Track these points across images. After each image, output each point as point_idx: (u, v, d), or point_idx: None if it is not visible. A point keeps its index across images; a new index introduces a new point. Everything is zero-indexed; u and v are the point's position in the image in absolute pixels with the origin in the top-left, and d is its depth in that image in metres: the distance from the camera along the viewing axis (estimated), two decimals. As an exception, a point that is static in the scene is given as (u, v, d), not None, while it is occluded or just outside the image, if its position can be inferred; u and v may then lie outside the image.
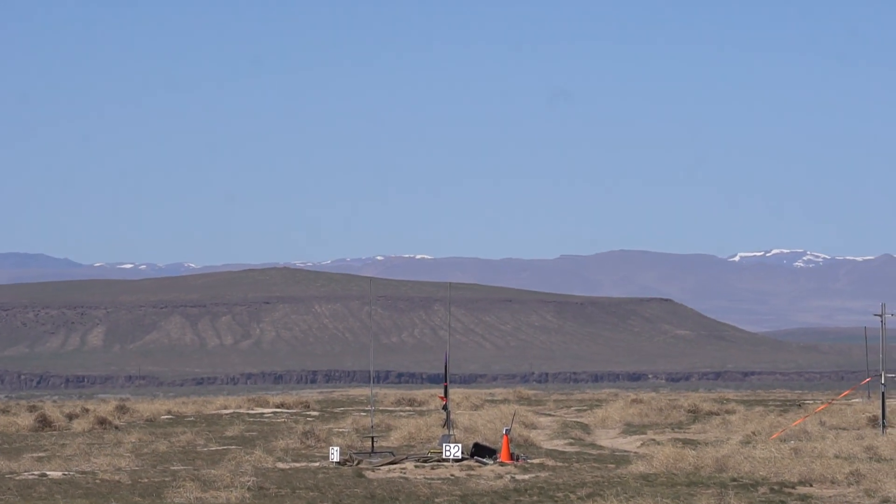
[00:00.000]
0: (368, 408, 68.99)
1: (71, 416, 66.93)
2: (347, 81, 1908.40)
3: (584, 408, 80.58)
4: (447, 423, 47.60)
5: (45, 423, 63.90)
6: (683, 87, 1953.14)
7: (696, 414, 71.84)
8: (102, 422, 64.34)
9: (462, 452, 44.69)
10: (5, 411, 74.58)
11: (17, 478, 41.48)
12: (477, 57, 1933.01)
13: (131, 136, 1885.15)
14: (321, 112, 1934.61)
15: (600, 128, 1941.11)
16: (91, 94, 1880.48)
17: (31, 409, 74.35)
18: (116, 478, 41.01)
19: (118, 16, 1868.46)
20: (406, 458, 45.27)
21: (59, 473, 42.49)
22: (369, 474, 42.23)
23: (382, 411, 72.47)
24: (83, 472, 42.65)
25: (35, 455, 49.36)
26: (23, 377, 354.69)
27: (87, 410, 70.68)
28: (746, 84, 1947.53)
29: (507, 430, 46.75)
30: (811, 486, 38.27)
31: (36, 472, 42.76)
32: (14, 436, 60.39)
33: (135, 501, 34.42)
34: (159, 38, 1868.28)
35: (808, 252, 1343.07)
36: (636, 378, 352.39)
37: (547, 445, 53.60)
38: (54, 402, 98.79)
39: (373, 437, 49.56)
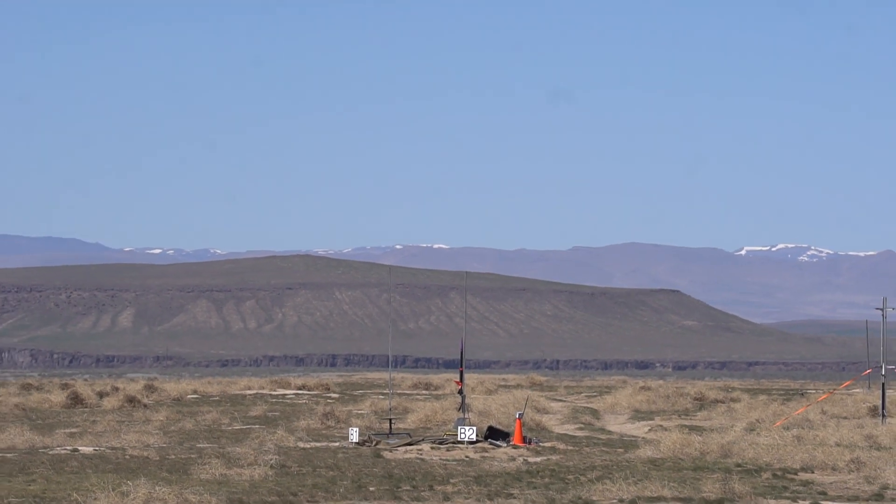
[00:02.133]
0: (386, 391, 69.08)
1: (101, 394, 67.17)
2: (366, 72, 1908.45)
3: (594, 394, 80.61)
4: (462, 406, 47.67)
5: (76, 400, 64.15)
6: (693, 85, 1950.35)
7: (702, 402, 71.82)
8: (131, 400, 64.54)
9: (476, 435, 44.75)
10: (39, 389, 74.88)
11: (51, 452, 41.64)
12: (491, 49, 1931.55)
13: (161, 128, 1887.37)
14: (340, 107, 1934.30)
15: (611, 123, 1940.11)
16: (124, 85, 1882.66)
17: (64, 387, 74.64)
18: (145, 454, 41.15)
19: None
20: (423, 439, 45.34)
21: (91, 449, 42.64)
22: (387, 455, 42.31)
23: (400, 394, 72.56)
24: (113, 448, 42.80)
25: (67, 431, 49.54)
26: (55, 356, 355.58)
27: (117, 389, 70.93)
28: (752, 84, 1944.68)
29: (519, 414, 46.79)
30: (813, 472, 38.27)
31: (68, 448, 42.92)
32: (47, 412, 60.62)
33: (163, 477, 34.55)
34: (187, 21, 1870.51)
35: (813, 247, 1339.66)
36: (644, 366, 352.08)
37: (558, 430, 53.65)
38: (85, 380, 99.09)
39: (390, 419, 49.63)
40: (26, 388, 75.85)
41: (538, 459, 41.40)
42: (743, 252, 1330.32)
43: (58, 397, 65.28)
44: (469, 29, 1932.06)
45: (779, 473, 37.64)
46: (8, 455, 40.81)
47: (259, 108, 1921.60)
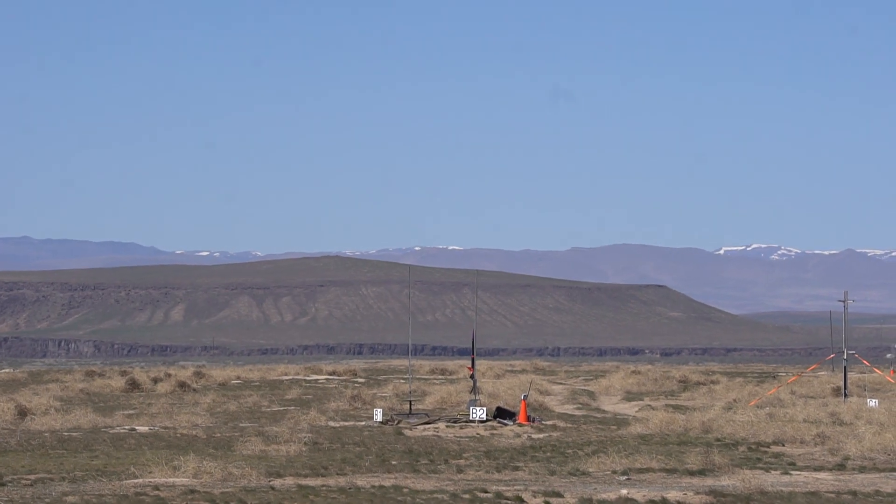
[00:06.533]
0: (407, 376, 69.04)
1: (156, 380, 67.18)
2: (381, 84, 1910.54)
3: (591, 378, 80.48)
4: (474, 389, 47.63)
5: (134, 385, 64.18)
6: (677, 101, 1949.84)
7: (685, 384, 71.68)
8: (182, 385, 64.57)
9: (486, 415, 44.71)
10: (101, 375, 74.97)
11: (111, 431, 41.66)
12: (487, 63, 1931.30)
13: (214, 147, 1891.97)
14: (356, 123, 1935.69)
15: (608, 139, 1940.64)
16: (172, 104, 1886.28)
17: (123, 373, 74.71)
18: (194, 433, 41.15)
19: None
20: (439, 418, 45.31)
21: (146, 428, 42.65)
22: (408, 432, 42.27)
23: (419, 379, 72.52)
24: (166, 428, 42.80)
25: (126, 412, 49.57)
26: (115, 346, 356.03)
27: (170, 375, 70.94)
28: (727, 102, 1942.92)
29: (524, 395, 46.73)
30: (783, 445, 38.18)
31: (126, 427, 42.93)
32: (108, 396, 60.69)
33: (210, 452, 34.55)
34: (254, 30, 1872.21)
35: (783, 247, 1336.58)
36: (635, 353, 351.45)
37: (559, 409, 53.56)
38: (142, 367, 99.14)
39: (410, 401, 49.61)
40: (90, 374, 75.94)
41: (541, 436, 41.33)
42: (721, 251, 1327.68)
43: (117, 383, 65.36)
44: (470, 33, 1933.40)
45: (753, 447, 37.55)
46: (74, 434, 40.84)
47: (298, 128, 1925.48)
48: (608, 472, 31.72)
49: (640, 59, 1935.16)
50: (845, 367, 57.77)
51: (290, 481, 29.52)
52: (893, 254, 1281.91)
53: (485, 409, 44.92)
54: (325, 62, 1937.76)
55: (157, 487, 27.74)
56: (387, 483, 29.22)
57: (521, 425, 44.12)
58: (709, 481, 30.29)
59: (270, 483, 29.15)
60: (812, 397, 58.46)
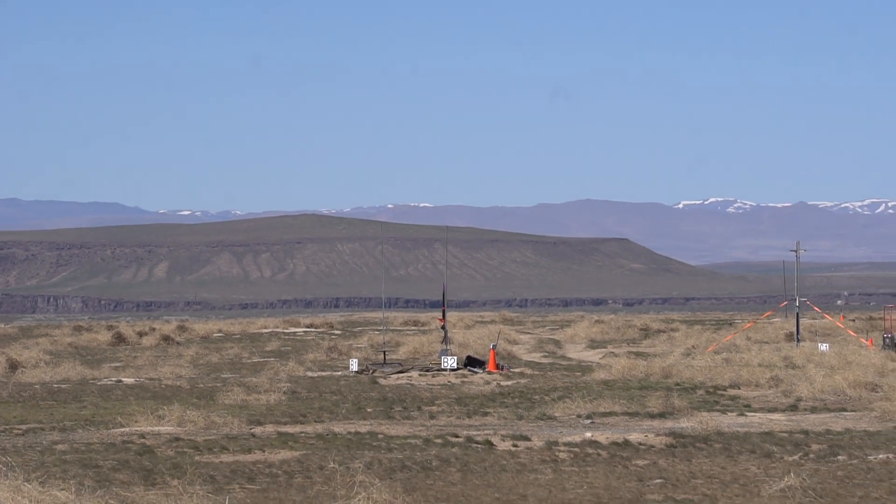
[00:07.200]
0: (381, 328, 69.08)
1: (141, 334, 67.09)
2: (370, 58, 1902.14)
3: (557, 327, 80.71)
4: (445, 339, 47.69)
5: (120, 339, 64.09)
6: (637, 59, 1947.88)
7: (646, 332, 71.96)
8: (166, 338, 64.50)
9: (457, 363, 44.79)
10: (88, 330, 74.81)
11: (98, 383, 41.60)
12: (458, 22, 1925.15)
13: (194, 110, 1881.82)
14: (330, 84, 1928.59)
15: (573, 101, 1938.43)
16: (161, 71, 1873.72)
17: (109, 328, 74.57)
18: (178, 384, 41.12)
19: None
20: (412, 368, 45.38)
21: (132, 380, 42.59)
22: (382, 381, 42.33)
23: (392, 330, 72.57)
24: (151, 379, 42.76)
25: (112, 365, 49.48)
26: (102, 302, 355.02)
27: (154, 329, 70.86)
28: (685, 62, 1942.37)
29: (493, 345, 46.81)
30: (739, 388, 38.41)
31: (113, 379, 42.87)
32: (95, 349, 60.56)
33: (193, 402, 34.55)
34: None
35: (739, 200, 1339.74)
36: (598, 303, 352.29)
37: (526, 358, 53.71)
38: (127, 322, 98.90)
39: (385, 352, 49.64)
40: (78, 329, 75.80)
41: (509, 383, 41.45)
42: (680, 205, 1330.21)
43: (104, 337, 65.23)
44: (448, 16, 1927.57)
45: (711, 390, 37.76)
46: (63, 385, 40.78)
47: (280, 94, 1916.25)
48: (573, 417, 31.85)
49: (605, 10, 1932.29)
50: (798, 314, 58.08)
51: (270, 429, 29.54)
52: (842, 205, 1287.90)
53: (456, 358, 44.99)
54: (308, 30, 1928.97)
55: (142, 436, 27.73)
56: (363, 429, 29.27)
57: (490, 373, 44.21)
58: (669, 423, 30.45)
59: (251, 430, 29.16)
60: (766, 343, 58.75)
